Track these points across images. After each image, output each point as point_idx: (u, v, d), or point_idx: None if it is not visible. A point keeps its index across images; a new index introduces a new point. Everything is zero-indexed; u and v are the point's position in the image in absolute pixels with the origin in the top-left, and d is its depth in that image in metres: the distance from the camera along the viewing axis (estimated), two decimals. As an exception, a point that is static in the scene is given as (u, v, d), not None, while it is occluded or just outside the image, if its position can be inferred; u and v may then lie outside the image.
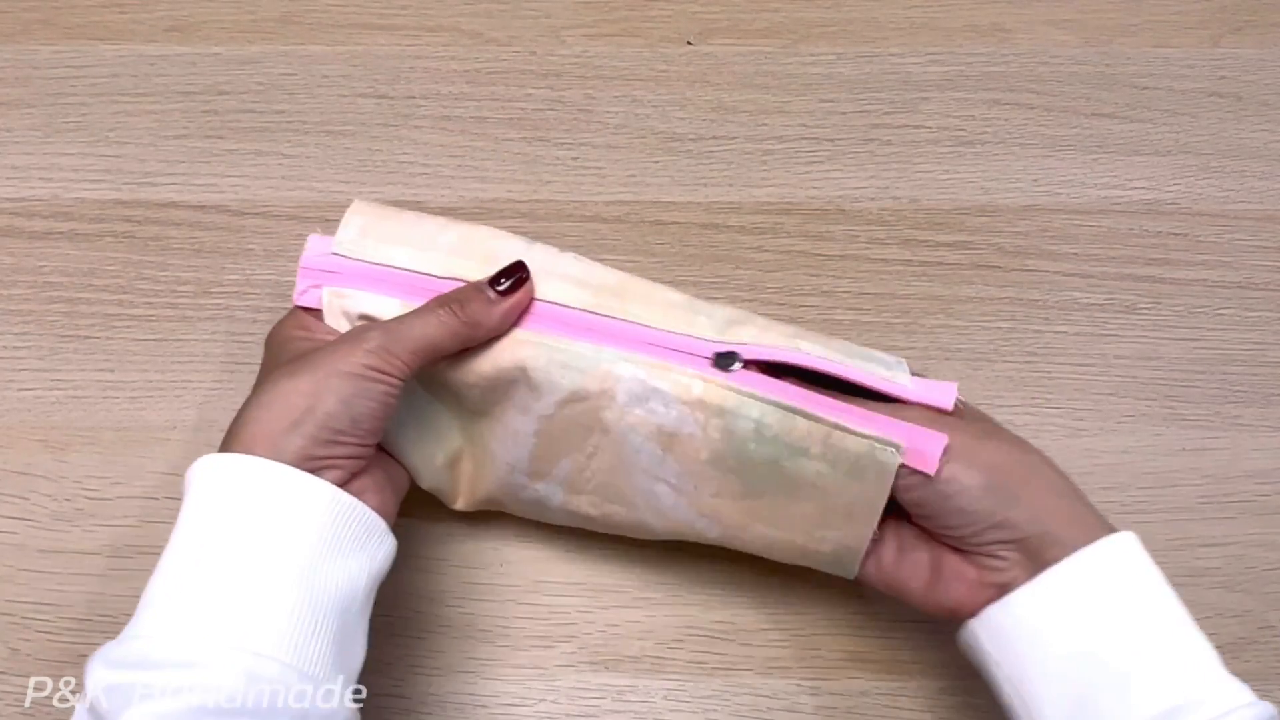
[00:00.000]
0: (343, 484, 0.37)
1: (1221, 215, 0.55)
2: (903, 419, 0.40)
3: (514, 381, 0.41)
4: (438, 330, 0.39)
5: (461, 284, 0.42)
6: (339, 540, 0.36)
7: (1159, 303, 0.53)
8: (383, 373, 0.38)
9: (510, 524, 0.48)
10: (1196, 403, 0.51)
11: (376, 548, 0.38)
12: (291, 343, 0.41)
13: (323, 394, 0.37)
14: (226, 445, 0.38)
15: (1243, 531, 0.48)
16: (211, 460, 0.37)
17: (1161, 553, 0.47)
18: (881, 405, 0.41)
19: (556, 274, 0.42)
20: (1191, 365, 0.52)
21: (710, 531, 0.43)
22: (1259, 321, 0.53)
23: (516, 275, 0.41)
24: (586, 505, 0.44)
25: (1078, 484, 0.48)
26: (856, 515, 0.41)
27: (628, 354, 0.41)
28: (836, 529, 0.41)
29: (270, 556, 0.35)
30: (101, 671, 0.33)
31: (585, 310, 0.42)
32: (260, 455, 0.36)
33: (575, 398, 0.41)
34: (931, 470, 0.39)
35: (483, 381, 0.42)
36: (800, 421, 0.40)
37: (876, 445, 0.39)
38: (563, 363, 0.41)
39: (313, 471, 0.37)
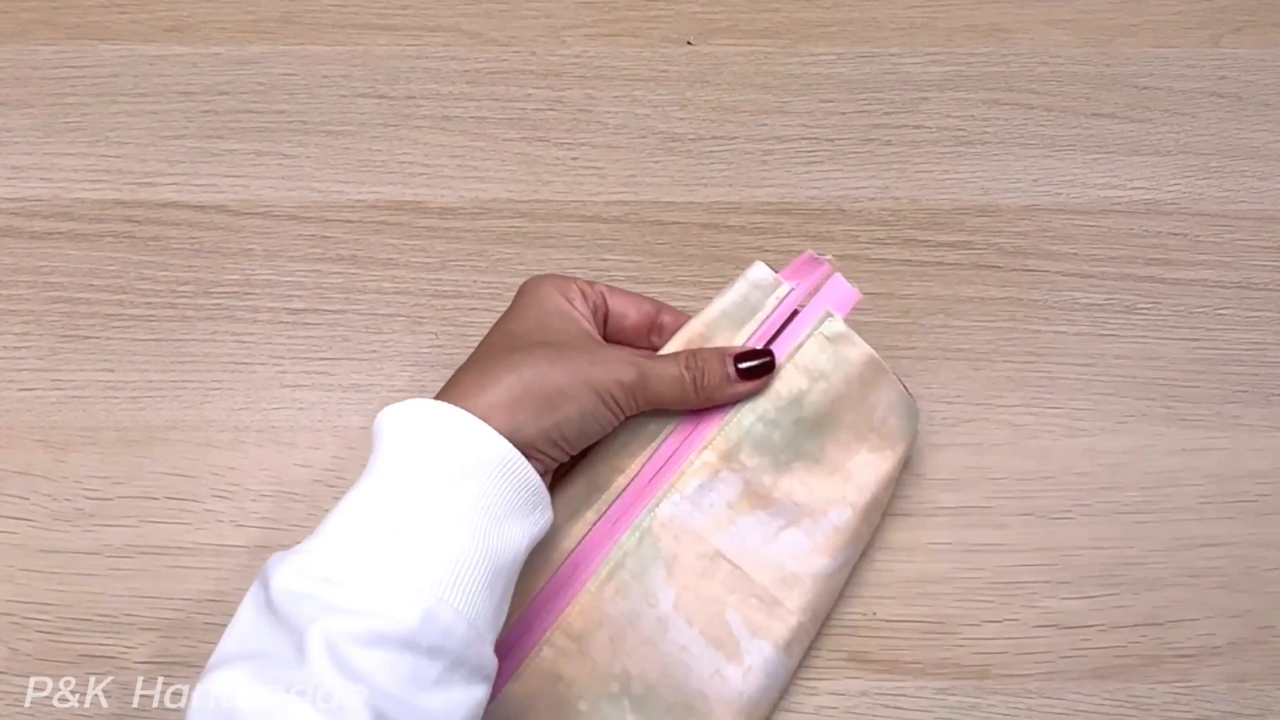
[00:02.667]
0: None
1: (1221, 215, 0.55)
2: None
3: (630, 618, 0.42)
4: (672, 392, 0.42)
5: None
6: (516, 504, 0.38)
7: (1159, 303, 0.53)
8: (620, 408, 0.41)
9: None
10: (1196, 403, 0.51)
11: (540, 516, 0.39)
12: (555, 317, 0.43)
13: (571, 400, 0.40)
14: (459, 395, 0.39)
15: (1243, 531, 0.48)
16: (438, 409, 0.38)
17: (1162, 553, 0.48)
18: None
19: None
20: (1191, 365, 0.52)
21: (844, 516, 0.44)
22: (1259, 321, 0.53)
23: (763, 361, 0.44)
24: (785, 626, 0.43)
25: (1078, 484, 0.48)
26: (871, 377, 0.45)
27: (654, 499, 0.43)
28: (878, 399, 0.45)
29: (461, 509, 0.36)
30: (290, 574, 0.35)
31: (596, 522, 0.43)
32: (496, 424, 0.38)
33: (671, 563, 0.43)
34: (856, 298, 0.46)
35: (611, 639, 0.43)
36: (774, 384, 0.44)
37: (820, 331, 0.45)
38: (638, 562, 0.43)
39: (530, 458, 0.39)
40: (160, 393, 0.51)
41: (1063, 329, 0.53)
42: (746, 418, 0.44)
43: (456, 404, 0.38)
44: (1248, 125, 0.57)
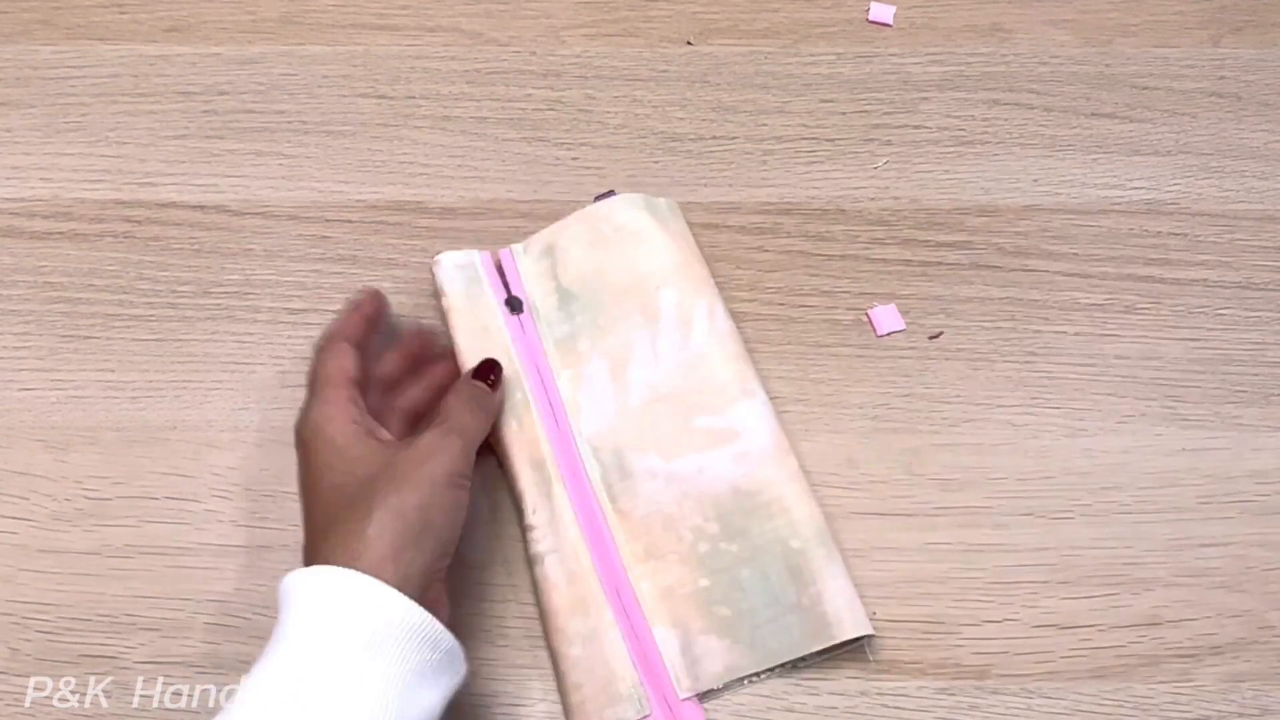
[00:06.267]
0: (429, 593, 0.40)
1: (1221, 215, 0.55)
2: None
3: (656, 507, 0.47)
4: (482, 429, 0.45)
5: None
6: (430, 664, 0.38)
7: (1159, 303, 0.53)
8: (467, 477, 0.42)
9: (510, 523, 0.48)
10: (1196, 403, 0.51)
11: (455, 670, 0.39)
12: (355, 441, 0.42)
13: (433, 509, 0.40)
14: (345, 557, 0.38)
15: (1243, 531, 0.48)
16: (340, 577, 0.37)
17: (1161, 552, 0.48)
18: None
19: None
20: (1191, 365, 0.52)
21: (669, 299, 0.50)
22: (1259, 321, 0.53)
23: (494, 369, 0.47)
24: (738, 388, 0.49)
25: (1078, 484, 0.48)
26: (593, 240, 0.52)
27: (574, 433, 0.48)
28: (619, 254, 0.51)
29: (373, 685, 0.36)
30: None
31: (569, 495, 0.47)
32: (387, 578, 0.37)
33: (633, 446, 0.48)
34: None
35: None
36: (540, 305, 0.51)
37: (526, 255, 0.53)
38: (618, 475, 0.48)
39: (426, 586, 0.39)
40: (160, 393, 0.51)
41: (1063, 329, 0.53)
42: (556, 324, 0.50)
43: (347, 565, 0.37)
44: (1248, 125, 0.57)
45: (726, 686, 0.45)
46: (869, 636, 0.44)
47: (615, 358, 0.49)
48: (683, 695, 0.44)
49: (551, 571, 0.45)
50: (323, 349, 0.46)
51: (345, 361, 0.45)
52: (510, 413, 0.48)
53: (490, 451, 0.49)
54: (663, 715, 0.43)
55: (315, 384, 0.44)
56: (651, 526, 0.47)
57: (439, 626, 0.38)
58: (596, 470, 0.48)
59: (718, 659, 0.44)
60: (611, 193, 0.53)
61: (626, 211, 0.51)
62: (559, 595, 0.45)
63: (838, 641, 0.44)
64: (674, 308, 0.50)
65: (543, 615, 0.46)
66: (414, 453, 0.41)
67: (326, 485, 0.42)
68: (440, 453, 0.41)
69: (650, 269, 0.50)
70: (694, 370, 0.49)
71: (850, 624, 0.44)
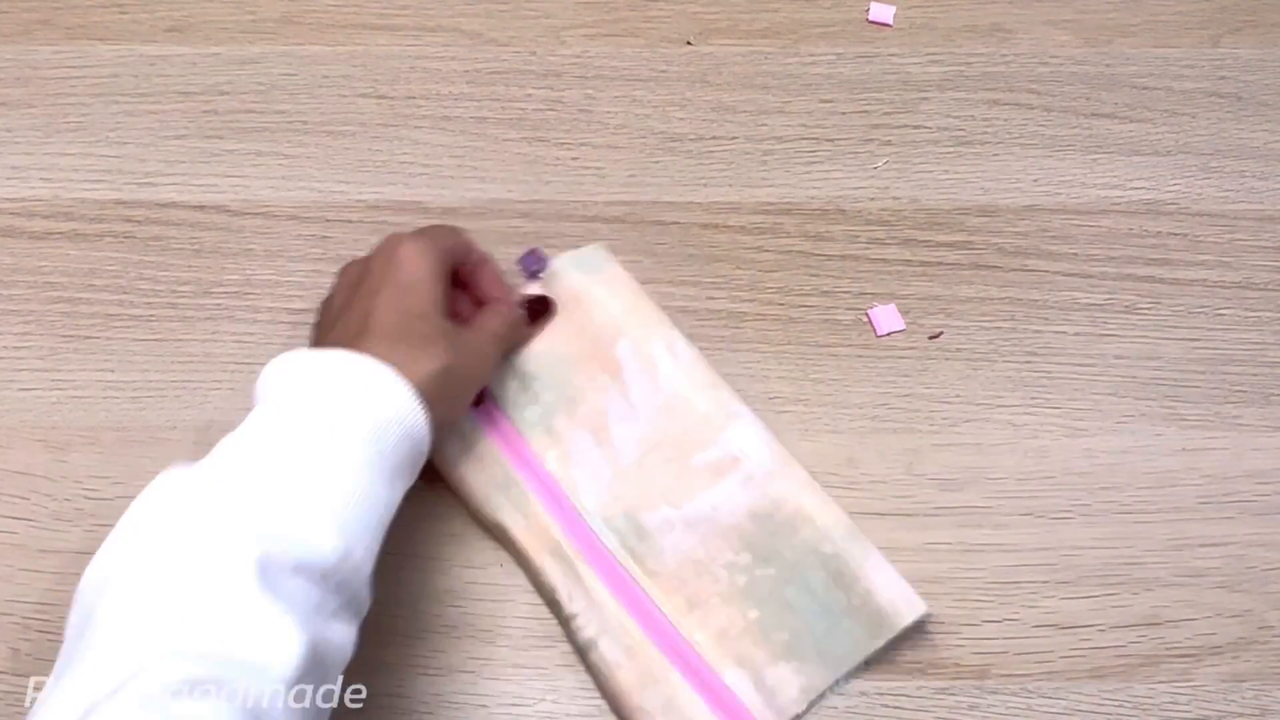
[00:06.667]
0: None
1: (1221, 215, 0.55)
2: None
3: (686, 556, 0.47)
4: (506, 348, 0.49)
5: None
6: (412, 462, 0.42)
7: (1159, 303, 0.53)
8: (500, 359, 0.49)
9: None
10: (1196, 403, 0.51)
11: (415, 474, 0.43)
12: (436, 295, 0.45)
13: (472, 391, 0.46)
14: (391, 351, 0.41)
15: (1243, 531, 0.48)
16: (384, 373, 0.41)
17: (1161, 552, 0.48)
18: None
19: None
20: (1191, 365, 0.52)
21: (624, 350, 0.50)
22: (1259, 321, 0.53)
23: (543, 303, 0.50)
24: (724, 414, 0.49)
25: (1078, 484, 0.48)
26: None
27: (577, 511, 0.47)
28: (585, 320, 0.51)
29: (376, 459, 0.40)
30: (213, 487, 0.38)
31: (596, 571, 0.46)
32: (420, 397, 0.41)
33: (644, 502, 0.48)
34: None
35: None
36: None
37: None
38: (638, 541, 0.47)
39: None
40: (160, 393, 0.51)
41: (1063, 329, 0.53)
42: (525, 409, 0.49)
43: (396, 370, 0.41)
44: (1248, 125, 0.57)
45: (810, 706, 0.44)
46: (926, 614, 0.45)
47: (594, 424, 0.48)
48: None
49: (609, 653, 0.44)
50: (441, 225, 0.50)
51: (454, 241, 0.48)
52: (515, 508, 0.47)
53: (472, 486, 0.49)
54: None
55: (422, 232, 0.47)
56: (686, 577, 0.46)
57: (428, 441, 0.42)
58: (614, 540, 0.46)
59: (792, 683, 0.44)
60: (534, 251, 0.52)
61: (557, 281, 0.51)
62: (624, 674, 0.44)
63: (900, 630, 0.44)
64: (633, 356, 0.49)
65: (612, 698, 0.45)
66: (473, 339, 0.46)
67: (401, 306, 0.44)
68: (486, 359, 0.47)
69: (599, 327, 0.50)
70: (673, 411, 0.48)
71: (907, 609, 0.45)
